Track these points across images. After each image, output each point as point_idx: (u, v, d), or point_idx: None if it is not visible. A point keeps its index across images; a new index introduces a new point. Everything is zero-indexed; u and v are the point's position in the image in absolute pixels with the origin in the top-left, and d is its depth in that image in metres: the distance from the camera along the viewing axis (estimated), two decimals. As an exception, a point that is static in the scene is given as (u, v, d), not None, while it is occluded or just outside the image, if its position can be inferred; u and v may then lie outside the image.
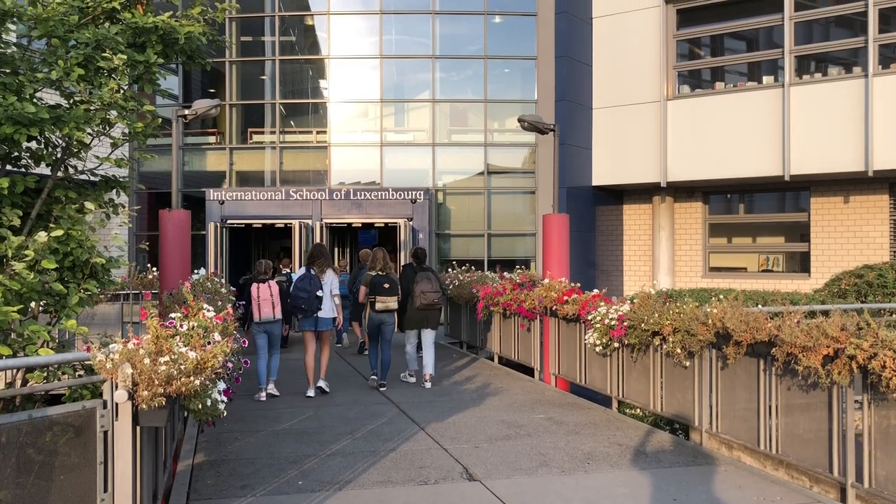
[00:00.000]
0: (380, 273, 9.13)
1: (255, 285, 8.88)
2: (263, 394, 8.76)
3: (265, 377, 8.87)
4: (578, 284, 9.36)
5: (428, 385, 9.30)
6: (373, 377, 9.32)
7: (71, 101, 5.63)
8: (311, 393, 8.81)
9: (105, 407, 3.78)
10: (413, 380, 9.69)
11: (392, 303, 9.06)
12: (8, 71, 5.30)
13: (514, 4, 17.29)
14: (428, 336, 9.45)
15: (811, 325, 5.24)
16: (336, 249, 17.81)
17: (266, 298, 8.74)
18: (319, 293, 8.73)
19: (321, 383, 8.99)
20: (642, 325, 7.06)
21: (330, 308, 8.96)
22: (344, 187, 16.48)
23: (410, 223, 15.81)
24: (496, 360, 11.24)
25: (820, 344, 5.05)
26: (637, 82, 16.30)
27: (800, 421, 5.50)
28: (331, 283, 9.01)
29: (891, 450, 4.74)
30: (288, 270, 12.47)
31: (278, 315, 8.87)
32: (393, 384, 9.42)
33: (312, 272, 8.86)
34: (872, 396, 4.84)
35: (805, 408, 5.43)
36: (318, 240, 15.54)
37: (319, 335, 9.06)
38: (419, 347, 9.68)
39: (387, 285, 9.02)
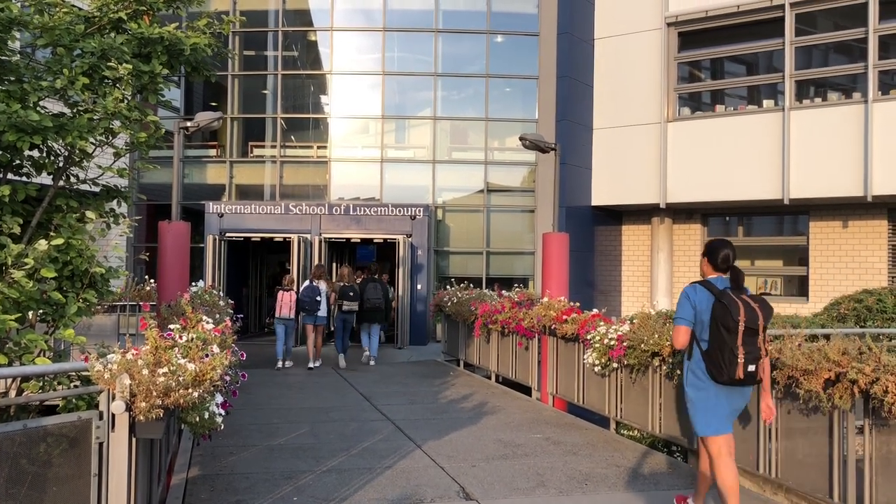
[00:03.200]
0: (346, 284, 12.61)
1: (280, 292, 12.36)
2: (280, 363, 12.27)
3: (282, 354, 12.34)
4: (577, 304, 9.34)
5: (372, 364, 12.70)
6: (341, 355, 12.61)
7: (75, 110, 5.63)
8: (311, 365, 12.22)
9: (101, 418, 3.73)
10: (371, 360, 12.83)
11: (354, 305, 12.44)
12: (12, 79, 5.30)
13: (516, 24, 17.40)
14: (374, 329, 12.96)
15: (812, 348, 5.21)
16: (334, 265, 17.80)
17: (286, 303, 12.22)
18: (318, 298, 12.20)
19: (318, 363, 12.42)
20: (642, 345, 7.02)
21: (325, 310, 12.44)
22: (343, 202, 16.49)
23: (409, 239, 15.80)
24: (493, 378, 11.18)
25: (821, 367, 5.02)
26: (638, 104, 16.38)
27: (800, 445, 5.46)
28: (326, 294, 12.49)
29: (892, 476, 4.71)
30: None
31: (292, 315, 12.29)
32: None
33: (314, 284, 12.36)
34: (874, 421, 4.80)
35: (805, 432, 5.39)
36: (316, 254, 15.65)
37: (316, 328, 12.49)
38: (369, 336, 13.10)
39: (351, 293, 12.43)
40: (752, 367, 4.55)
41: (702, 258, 4.96)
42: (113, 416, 3.71)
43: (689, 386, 4.87)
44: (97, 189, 6.11)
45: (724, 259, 4.82)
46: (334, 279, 15.66)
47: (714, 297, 4.67)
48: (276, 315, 12.31)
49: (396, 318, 15.69)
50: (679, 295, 4.94)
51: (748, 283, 17.57)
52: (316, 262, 15.41)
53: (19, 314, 4.19)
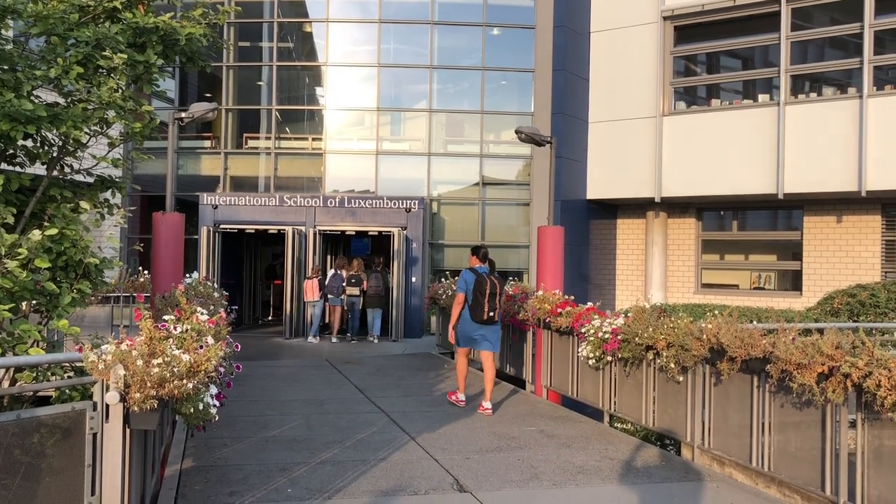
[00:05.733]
0: (352, 274, 15.10)
1: (306, 281, 15.21)
2: (311, 338, 15.14)
3: (314, 331, 15.16)
4: (572, 297, 9.34)
5: (372, 340, 15.21)
6: (348, 334, 15.35)
7: (69, 99, 5.59)
8: (334, 339, 15.14)
9: (95, 409, 3.72)
10: (374, 338, 15.32)
11: (355, 290, 15.13)
12: (6, 67, 5.26)
13: (512, 17, 17.36)
14: (376, 312, 15.45)
15: (806, 342, 5.23)
16: (329, 257, 17.79)
17: (311, 289, 15.00)
18: (343, 285, 15.02)
19: (337, 336, 15.25)
20: (636, 339, 7.04)
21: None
22: (338, 195, 16.46)
23: (404, 232, 15.79)
24: (487, 371, 11.18)
25: (815, 361, 5.04)
26: (634, 97, 16.37)
27: (793, 438, 5.49)
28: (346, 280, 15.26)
29: (884, 469, 4.73)
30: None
31: (317, 298, 15.03)
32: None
33: (339, 273, 15.17)
34: (866, 415, 4.83)
35: (798, 425, 5.42)
36: (311, 246, 15.74)
37: (339, 308, 15.26)
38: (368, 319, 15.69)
39: (353, 281, 15.05)
40: (491, 314, 8.20)
41: (471, 255, 8.59)
42: (107, 406, 3.70)
43: (460, 323, 8.37)
44: (91, 179, 6.09)
45: (483, 255, 8.52)
46: (330, 272, 16.05)
47: (476, 276, 8.25)
48: (306, 299, 15.19)
49: (391, 309, 15.72)
50: (458, 277, 8.66)
51: (743, 278, 17.66)
52: (311, 254, 15.66)
53: (13, 304, 4.18)
